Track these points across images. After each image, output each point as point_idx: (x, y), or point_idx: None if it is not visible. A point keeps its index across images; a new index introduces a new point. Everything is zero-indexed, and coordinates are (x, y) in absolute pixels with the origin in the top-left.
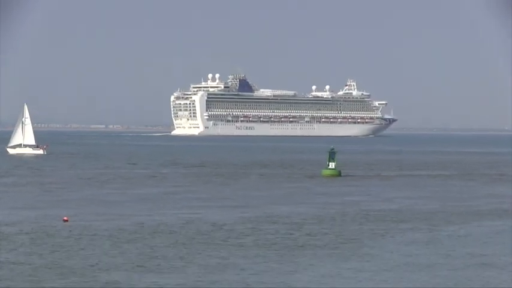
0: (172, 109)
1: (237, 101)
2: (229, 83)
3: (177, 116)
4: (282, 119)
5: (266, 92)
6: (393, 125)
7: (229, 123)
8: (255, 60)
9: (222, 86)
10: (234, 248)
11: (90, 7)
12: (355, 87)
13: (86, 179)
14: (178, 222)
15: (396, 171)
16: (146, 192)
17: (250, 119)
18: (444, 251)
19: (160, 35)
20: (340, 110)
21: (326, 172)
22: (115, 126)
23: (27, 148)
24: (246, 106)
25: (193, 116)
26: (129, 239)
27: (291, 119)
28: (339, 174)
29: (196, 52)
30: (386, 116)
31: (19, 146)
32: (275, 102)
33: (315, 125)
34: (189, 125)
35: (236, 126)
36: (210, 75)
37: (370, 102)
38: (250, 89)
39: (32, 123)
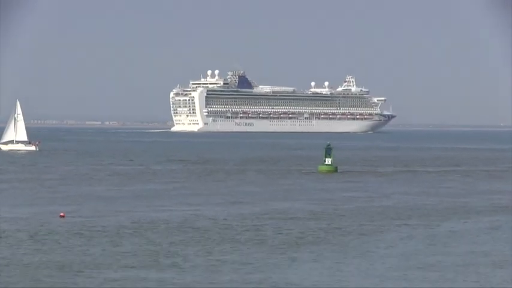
0: (171, 105)
1: (236, 98)
2: (229, 80)
3: (177, 113)
4: (281, 115)
5: (265, 89)
6: (392, 121)
7: (228, 120)
8: (254, 57)
9: (222, 83)
10: (230, 245)
11: (89, 3)
12: (354, 83)
13: (82, 176)
14: (174, 219)
15: (393, 167)
16: (143, 188)
17: (250, 115)
18: (441, 247)
19: (159, 32)
20: (339, 106)
21: (322, 168)
22: (111, 122)
23: (20, 144)
24: (245, 102)
25: (193, 112)
26: (126, 236)
27: (290, 115)
28: (336, 170)
29: (196, 48)
30: (385, 113)
31: (11, 142)
32: (274, 99)
33: (314, 122)
34: (188, 121)
35: (235, 123)
36: (209, 72)
37: (369, 98)
38: (249, 85)
39: (28, 120)
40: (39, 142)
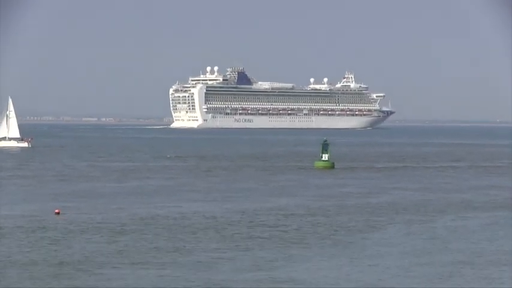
0: (171, 102)
1: (236, 94)
2: (228, 76)
3: (176, 109)
4: (281, 112)
5: (264, 85)
6: (391, 117)
7: (227, 116)
8: (254, 53)
9: (221, 79)
10: (227, 241)
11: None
12: (353, 79)
13: (76, 172)
14: (171, 215)
15: (390, 163)
16: (141, 184)
17: (249, 111)
18: (439, 243)
19: (157, 28)
20: (338, 102)
21: (319, 164)
22: (107, 119)
23: (12, 141)
24: (245, 99)
25: (192, 108)
26: (122, 232)
27: (289, 112)
28: (332, 166)
29: (195, 45)
30: (384, 109)
31: (4, 139)
32: (273, 95)
33: (313, 118)
34: (187, 117)
35: (235, 119)
36: (208, 68)
37: (368, 94)
38: (248, 81)
39: (24, 116)
40: (32, 139)
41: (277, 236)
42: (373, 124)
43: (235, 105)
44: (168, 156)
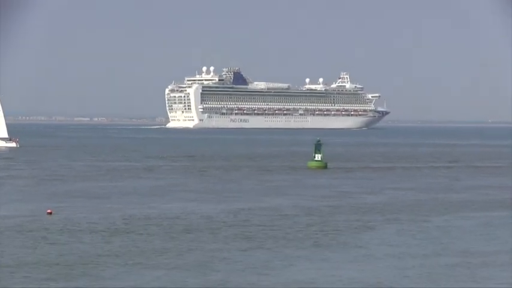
0: (166, 102)
1: (232, 94)
2: (224, 76)
3: (172, 109)
4: (276, 112)
5: (260, 85)
6: (386, 117)
7: (223, 116)
8: (249, 53)
9: (217, 79)
10: (221, 241)
11: None
12: (349, 80)
13: (69, 173)
14: (165, 215)
15: (384, 163)
16: (135, 184)
17: (245, 111)
18: (433, 242)
19: (152, 28)
20: (333, 102)
21: (312, 164)
22: (100, 119)
23: (0, 141)
24: (240, 99)
25: (188, 108)
26: (115, 232)
27: (284, 112)
28: (325, 166)
29: (191, 45)
30: (380, 109)
31: None
32: (269, 95)
33: (309, 118)
34: (183, 117)
35: (230, 119)
36: (204, 68)
37: (363, 94)
38: (244, 81)
39: (16, 116)
40: (19, 139)
41: (271, 236)
42: (368, 124)
43: (231, 105)
44: (161, 156)
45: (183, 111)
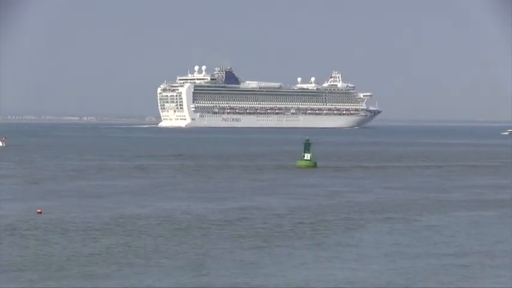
0: (158, 101)
1: (224, 93)
2: (216, 75)
3: (164, 108)
4: (268, 111)
5: (252, 84)
6: (377, 116)
7: (215, 115)
8: (241, 53)
9: (209, 78)
10: (211, 240)
11: None
12: (340, 79)
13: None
14: (156, 215)
15: (373, 163)
16: (127, 184)
17: (237, 110)
18: (423, 241)
19: (145, 27)
20: (325, 101)
21: (301, 163)
22: (89, 118)
23: None
24: (233, 98)
25: (180, 108)
26: (105, 232)
27: (276, 111)
28: (315, 166)
29: (183, 44)
30: (371, 108)
31: None
32: (261, 94)
33: (301, 117)
34: (175, 116)
35: (223, 118)
36: (196, 68)
37: (355, 94)
38: (236, 81)
39: (5, 116)
40: (6, 138)
41: (260, 235)
42: (360, 123)
43: (223, 104)
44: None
45: (175, 111)
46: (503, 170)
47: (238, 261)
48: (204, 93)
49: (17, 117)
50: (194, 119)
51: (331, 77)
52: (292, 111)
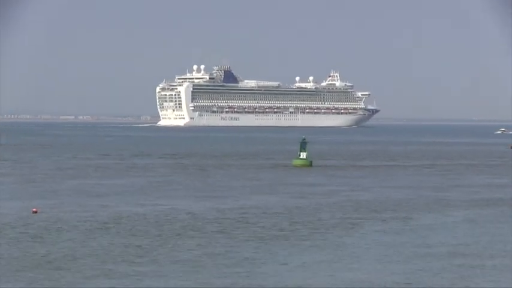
0: (157, 100)
1: (222, 92)
2: (214, 74)
3: (163, 107)
4: (267, 110)
5: (251, 83)
6: (376, 115)
7: (214, 114)
8: (240, 52)
9: (207, 77)
10: (207, 239)
11: None
12: (339, 78)
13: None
14: (152, 213)
15: (368, 161)
16: (123, 182)
17: (235, 109)
18: (417, 240)
19: (143, 27)
20: (323, 100)
21: (297, 162)
22: (85, 117)
23: None
24: (231, 97)
25: (179, 107)
26: (100, 231)
27: (275, 110)
28: (310, 164)
29: (181, 44)
30: (369, 107)
31: None
32: (259, 93)
33: (299, 116)
34: (174, 116)
35: (221, 117)
36: (195, 67)
37: (353, 93)
38: (235, 80)
39: (1, 115)
40: None
41: (256, 234)
42: (358, 122)
43: (221, 103)
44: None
45: (174, 110)
46: (497, 169)
47: (235, 260)
48: (203, 92)
49: (13, 117)
50: (193, 118)
51: (330, 76)
52: (290, 110)
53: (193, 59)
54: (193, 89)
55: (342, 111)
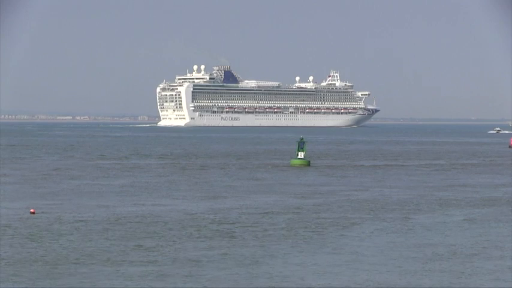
0: (158, 100)
1: (222, 92)
2: (215, 75)
3: (163, 107)
4: (267, 110)
5: (251, 83)
6: (376, 115)
7: (214, 114)
8: (240, 52)
9: (208, 78)
10: (207, 239)
11: None
12: (338, 78)
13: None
14: (151, 213)
15: (366, 161)
16: (122, 183)
17: (236, 109)
18: (416, 240)
19: (143, 27)
20: (323, 100)
21: (295, 162)
22: (82, 117)
23: None
24: (231, 97)
25: (179, 107)
26: (97, 231)
27: (275, 110)
28: (308, 164)
29: (182, 44)
30: (369, 107)
31: None
32: (260, 93)
33: (299, 116)
34: (175, 116)
35: (221, 117)
36: (195, 67)
37: (353, 92)
38: (235, 80)
39: None
40: None
41: (254, 234)
42: (358, 122)
43: (221, 103)
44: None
45: (174, 110)
46: (492, 168)
47: (235, 260)
48: (203, 92)
49: (10, 117)
50: (193, 118)
51: (330, 76)
52: (290, 110)
53: (193, 59)
54: (193, 89)
55: (342, 111)
